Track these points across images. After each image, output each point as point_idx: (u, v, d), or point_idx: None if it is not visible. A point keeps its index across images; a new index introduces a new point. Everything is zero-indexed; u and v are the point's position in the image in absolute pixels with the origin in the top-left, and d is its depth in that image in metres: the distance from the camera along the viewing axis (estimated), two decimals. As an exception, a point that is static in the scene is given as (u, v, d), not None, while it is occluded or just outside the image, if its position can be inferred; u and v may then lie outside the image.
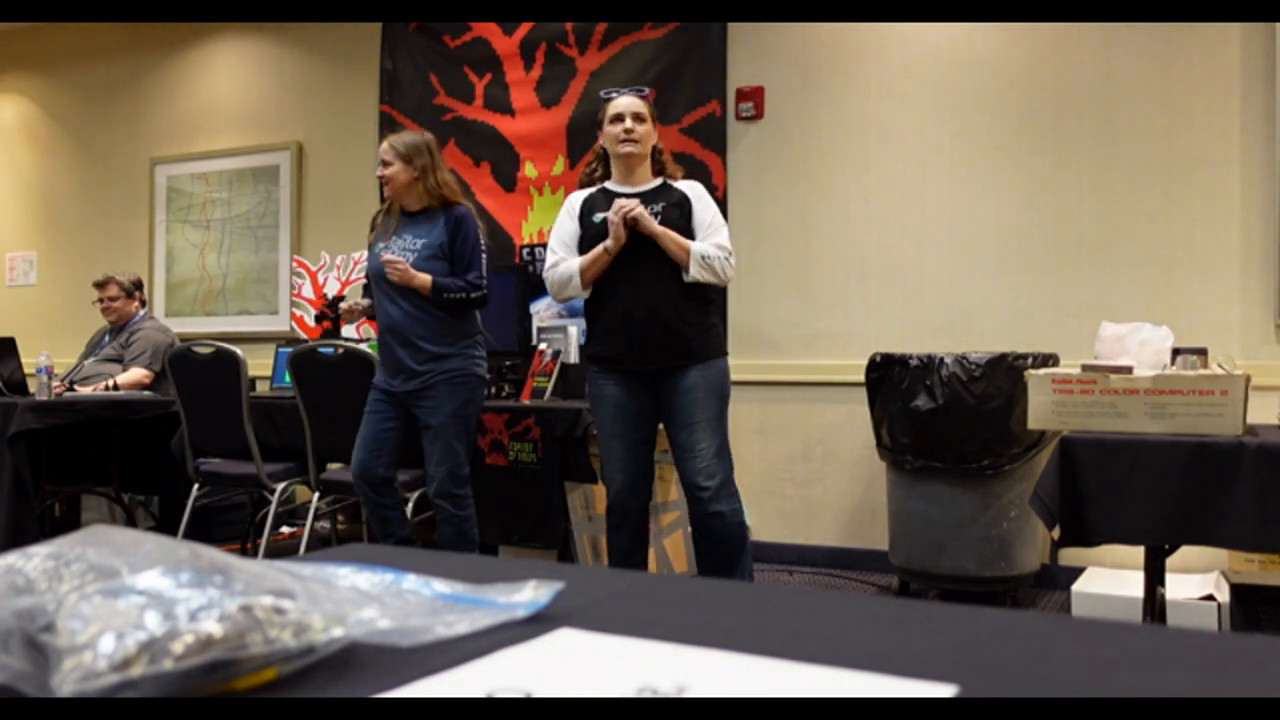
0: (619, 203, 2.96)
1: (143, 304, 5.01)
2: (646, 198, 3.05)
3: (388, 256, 3.25)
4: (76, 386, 4.55)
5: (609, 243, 2.97)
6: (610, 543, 3.17)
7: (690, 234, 3.03)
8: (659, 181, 3.13)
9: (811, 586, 3.90)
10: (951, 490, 3.54)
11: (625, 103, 3.08)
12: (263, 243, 5.81)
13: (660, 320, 2.97)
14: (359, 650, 0.56)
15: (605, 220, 3.01)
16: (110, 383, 4.61)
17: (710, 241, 3.00)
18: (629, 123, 3.04)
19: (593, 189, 3.18)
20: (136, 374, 4.68)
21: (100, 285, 4.90)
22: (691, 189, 3.11)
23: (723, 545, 3.01)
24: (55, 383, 4.28)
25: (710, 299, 3.08)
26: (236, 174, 5.88)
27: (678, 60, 4.71)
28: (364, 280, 3.80)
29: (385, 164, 3.32)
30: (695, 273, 2.96)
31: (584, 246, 3.07)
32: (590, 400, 3.16)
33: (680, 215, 3.03)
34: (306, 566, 0.62)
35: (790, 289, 4.50)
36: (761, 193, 4.55)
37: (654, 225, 2.95)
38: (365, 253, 3.68)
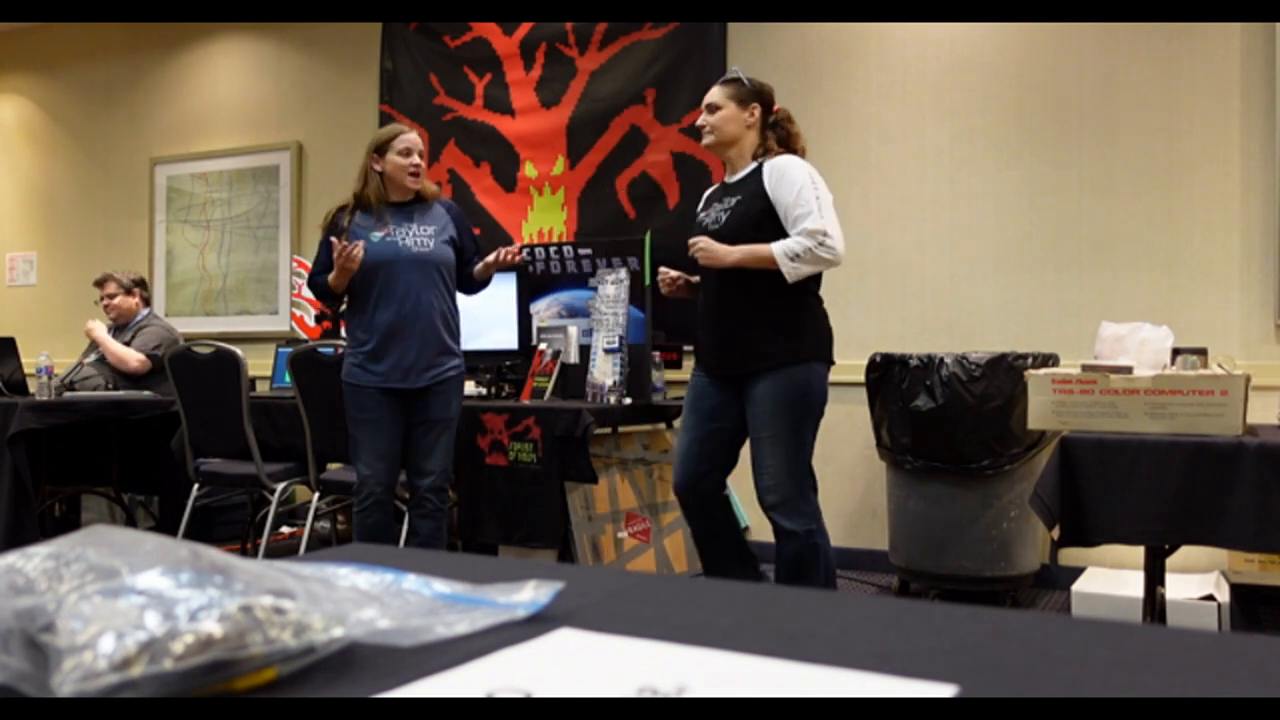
0: (662, 273, 3.03)
1: (146, 302, 5.00)
2: (731, 190, 2.95)
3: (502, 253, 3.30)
4: (76, 386, 4.56)
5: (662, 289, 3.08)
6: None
7: (769, 219, 2.82)
8: (752, 167, 2.92)
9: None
10: (951, 490, 3.54)
11: (707, 96, 2.98)
12: (263, 243, 5.81)
13: (719, 325, 2.89)
14: (359, 650, 0.56)
15: (698, 221, 3.02)
16: (109, 382, 4.62)
17: (795, 231, 2.76)
18: (703, 117, 2.96)
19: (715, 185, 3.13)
20: (132, 353, 4.67)
21: (100, 283, 4.91)
22: (771, 169, 2.85)
23: (788, 563, 2.86)
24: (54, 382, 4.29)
25: (781, 303, 2.83)
26: (236, 174, 5.89)
27: (678, 60, 4.71)
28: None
29: (422, 155, 3.37)
30: (792, 275, 2.74)
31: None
32: None
33: (750, 206, 2.85)
34: (306, 566, 0.62)
35: (790, 289, 4.49)
36: (761, 193, 4.54)
37: (724, 259, 2.80)
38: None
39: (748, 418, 2.87)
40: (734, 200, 2.89)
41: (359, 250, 3.18)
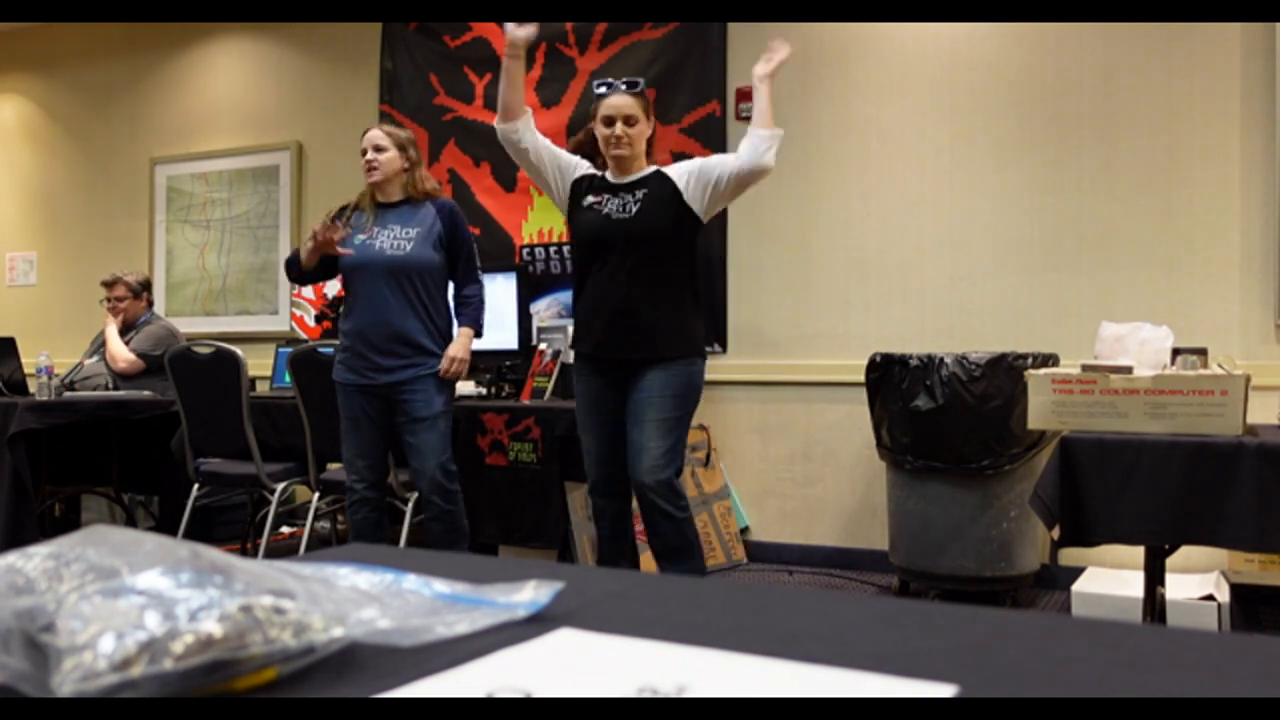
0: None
1: (150, 305, 5.01)
2: (638, 185, 3.06)
3: (458, 358, 3.32)
4: (77, 385, 4.55)
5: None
6: (597, 534, 3.20)
7: (685, 215, 3.05)
8: (650, 170, 3.11)
9: (811, 586, 3.90)
10: (951, 490, 3.54)
11: (616, 104, 3.05)
12: (263, 243, 5.81)
13: (631, 309, 2.97)
14: (359, 650, 0.56)
15: (591, 207, 3.07)
16: (108, 382, 4.62)
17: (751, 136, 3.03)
18: (619, 128, 3.03)
19: (593, 173, 3.18)
20: (123, 353, 4.69)
21: (108, 285, 4.90)
22: (681, 171, 3.09)
23: (667, 543, 3.00)
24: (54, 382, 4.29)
25: (685, 296, 3.03)
26: (236, 174, 5.88)
27: (678, 60, 4.71)
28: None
29: (379, 149, 3.36)
30: (769, 144, 3.00)
31: (571, 223, 3.18)
32: (575, 394, 3.19)
33: (665, 203, 3.03)
34: (306, 566, 0.62)
35: (790, 289, 4.50)
36: (761, 193, 4.54)
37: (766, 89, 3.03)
38: None
39: (632, 403, 2.99)
40: (641, 194, 3.03)
41: (336, 234, 3.24)
